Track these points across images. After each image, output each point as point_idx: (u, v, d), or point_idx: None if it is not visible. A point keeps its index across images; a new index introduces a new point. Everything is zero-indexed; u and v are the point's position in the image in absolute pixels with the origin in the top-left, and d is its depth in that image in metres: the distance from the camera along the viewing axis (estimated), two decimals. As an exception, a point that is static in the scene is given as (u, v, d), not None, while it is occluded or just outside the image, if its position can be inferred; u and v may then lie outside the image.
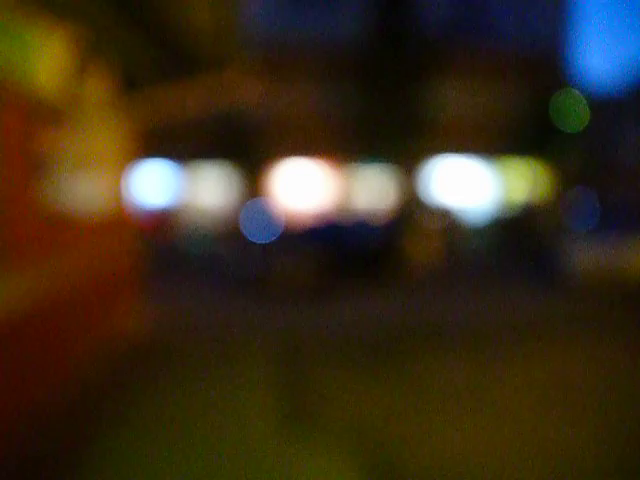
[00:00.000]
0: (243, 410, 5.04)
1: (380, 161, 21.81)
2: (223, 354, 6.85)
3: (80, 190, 6.31)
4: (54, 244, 5.57)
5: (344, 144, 21.69)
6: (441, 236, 16.26)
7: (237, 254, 12.70)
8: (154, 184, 22.26)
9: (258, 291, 11.07)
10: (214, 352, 6.96)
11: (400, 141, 20.41)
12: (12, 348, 4.54)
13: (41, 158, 5.27)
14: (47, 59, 5.43)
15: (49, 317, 5.34)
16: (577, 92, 23.25)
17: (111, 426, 4.71)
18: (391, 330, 7.99)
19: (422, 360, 6.51)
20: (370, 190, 22.58)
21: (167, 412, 5.03)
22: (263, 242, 12.43)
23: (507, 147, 22.97)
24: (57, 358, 5.51)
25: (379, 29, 20.27)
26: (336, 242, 11.69)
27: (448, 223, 20.94)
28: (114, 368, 6.34)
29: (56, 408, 5.13)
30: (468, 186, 23.36)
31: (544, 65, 23.29)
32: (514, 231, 21.08)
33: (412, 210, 21.14)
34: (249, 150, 21.99)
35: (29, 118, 5.06)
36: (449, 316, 8.86)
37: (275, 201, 22.21)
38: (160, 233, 20.95)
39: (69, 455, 4.23)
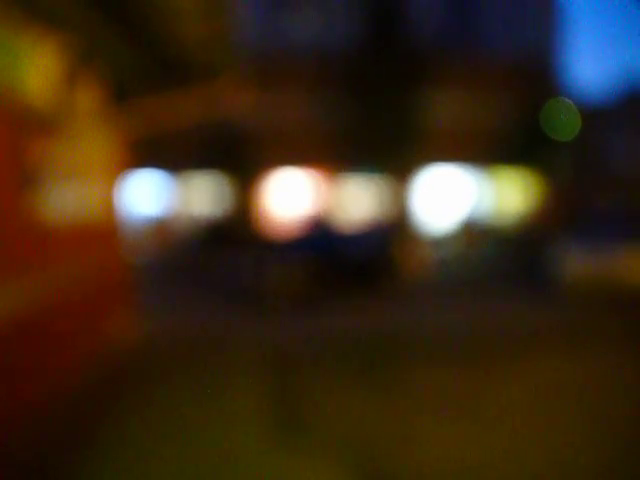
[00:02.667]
0: (235, 420, 4.99)
1: (371, 170, 21.81)
2: (214, 364, 6.79)
3: (71, 200, 6.27)
4: (43, 255, 5.52)
5: (335, 153, 21.69)
6: (432, 245, 16.28)
7: (229, 264, 12.66)
8: (146, 194, 22.19)
9: (250, 301, 11.01)
10: (205, 362, 6.90)
11: (391, 150, 20.43)
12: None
13: (30, 168, 5.23)
14: (37, 68, 5.41)
15: (34, 329, 5.28)
16: (568, 101, 23.39)
17: (102, 435, 4.66)
18: (383, 340, 7.96)
19: (415, 370, 6.47)
20: (361, 199, 22.59)
21: (157, 422, 4.98)
22: (255, 251, 12.39)
23: (498, 156, 23.02)
24: (42, 370, 5.45)
25: (370, 38, 20.35)
26: (327, 252, 11.66)
27: (439, 232, 20.97)
28: (103, 378, 6.28)
29: (37, 419, 5.07)
30: (459, 195, 23.41)
31: (535, 74, 23.41)
32: (505, 240, 21.13)
33: (403, 219, 21.17)
34: (241, 159, 21.96)
35: (18, 128, 5.03)
36: (441, 326, 8.83)
37: (266, 210, 22.18)
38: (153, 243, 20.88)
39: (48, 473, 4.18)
